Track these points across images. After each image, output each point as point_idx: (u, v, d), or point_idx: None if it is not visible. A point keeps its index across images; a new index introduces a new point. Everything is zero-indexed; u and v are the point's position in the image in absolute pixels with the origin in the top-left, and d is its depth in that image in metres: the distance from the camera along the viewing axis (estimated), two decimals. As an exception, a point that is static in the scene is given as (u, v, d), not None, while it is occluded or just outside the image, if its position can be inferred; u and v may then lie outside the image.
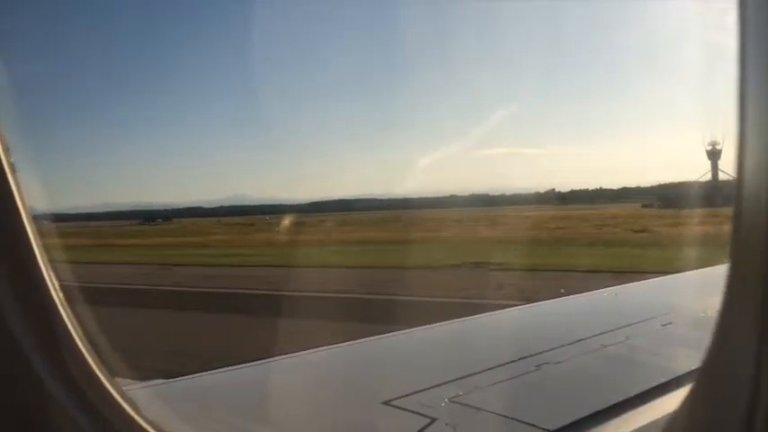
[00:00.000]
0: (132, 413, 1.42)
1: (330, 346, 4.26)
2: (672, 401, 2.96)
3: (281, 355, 4.05)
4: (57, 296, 1.36)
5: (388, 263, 30.94)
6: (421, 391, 3.16)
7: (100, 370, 1.38)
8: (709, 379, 1.37)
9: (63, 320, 1.35)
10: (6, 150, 1.34)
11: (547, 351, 3.81)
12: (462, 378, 3.33)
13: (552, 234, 43.81)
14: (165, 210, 70.17)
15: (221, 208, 71.30)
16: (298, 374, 3.77)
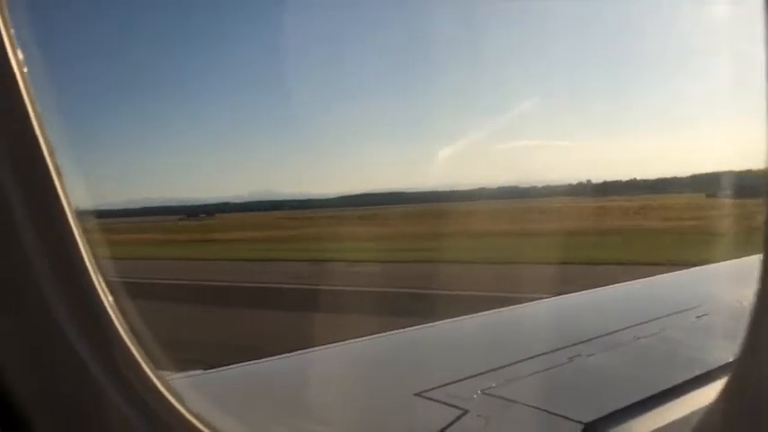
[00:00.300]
0: (177, 404, 1.47)
1: (363, 338, 4.31)
2: (706, 394, 2.94)
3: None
4: (104, 294, 1.42)
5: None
6: (453, 382, 3.18)
7: (145, 362, 1.44)
8: (743, 375, 1.36)
9: (109, 315, 1.41)
10: (52, 153, 1.39)
11: (580, 343, 3.79)
12: (495, 370, 3.34)
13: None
14: (194, 206, 70.75)
15: (250, 203, 71.76)
16: (332, 364, 3.82)
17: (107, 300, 1.43)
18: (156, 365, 1.51)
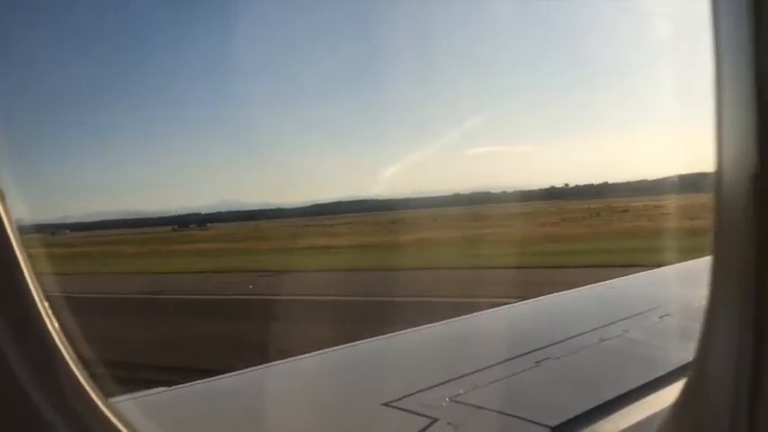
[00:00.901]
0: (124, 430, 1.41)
1: (329, 349, 4.27)
2: (671, 394, 2.97)
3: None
4: (47, 315, 1.35)
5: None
6: (421, 391, 3.16)
7: (93, 389, 1.37)
8: (699, 377, 1.37)
9: (52, 337, 1.34)
10: None
11: (546, 347, 3.81)
12: (462, 377, 3.34)
13: None
14: (182, 216, 69.66)
15: (219, 213, 71.01)
16: (297, 378, 3.77)
17: (52, 326, 1.37)
18: (106, 391, 1.45)
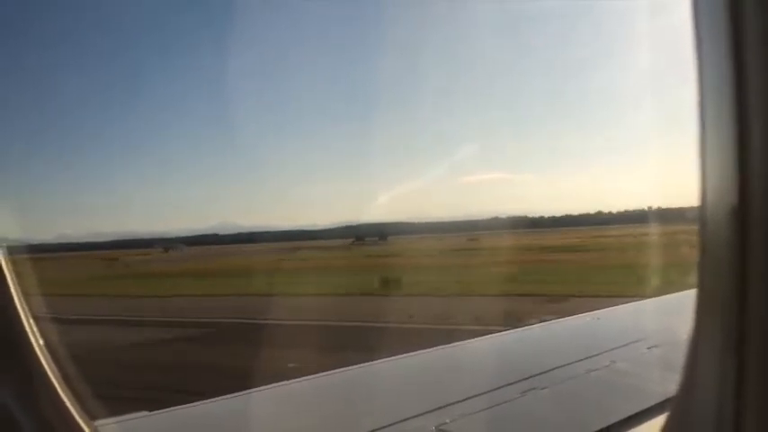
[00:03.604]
0: None
1: (315, 375, 4.24)
2: (656, 426, 2.96)
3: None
4: (35, 340, 1.34)
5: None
6: (406, 419, 3.14)
7: (77, 411, 1.36)
8: (683, 408, 1.38)
9: (40, 360, 1.33)
10: None
11: (533, 377, 3.80)
12: (449, 405, 3.32)
13: None
14: (355, 227, 68.99)
15: (223, 236, 70.65)
16: (281, 404, 3.73)
17: (38, 347, 1.35)
18: (90, 413, 1.43)
